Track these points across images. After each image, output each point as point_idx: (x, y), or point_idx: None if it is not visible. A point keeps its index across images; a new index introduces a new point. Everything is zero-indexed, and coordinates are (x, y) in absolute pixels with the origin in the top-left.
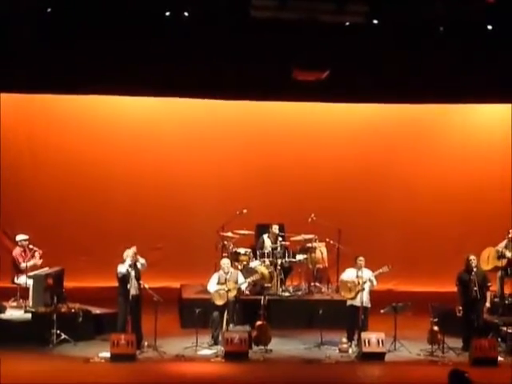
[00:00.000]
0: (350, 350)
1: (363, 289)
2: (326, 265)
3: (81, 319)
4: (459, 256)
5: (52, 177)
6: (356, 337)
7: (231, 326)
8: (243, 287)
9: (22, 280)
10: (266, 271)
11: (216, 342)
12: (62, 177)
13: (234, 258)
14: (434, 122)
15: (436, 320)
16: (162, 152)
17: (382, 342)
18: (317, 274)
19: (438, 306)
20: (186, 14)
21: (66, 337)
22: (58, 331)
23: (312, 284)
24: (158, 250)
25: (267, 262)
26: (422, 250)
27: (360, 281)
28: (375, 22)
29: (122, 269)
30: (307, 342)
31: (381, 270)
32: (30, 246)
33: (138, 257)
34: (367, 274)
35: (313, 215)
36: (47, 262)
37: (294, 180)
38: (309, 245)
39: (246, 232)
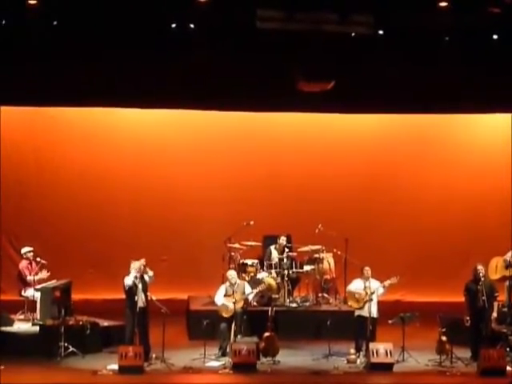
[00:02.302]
0: (358, 361)
1: (371, 299)
2: (334, 275)
3: (88, 332)
4: (467, 266)
5: (58, 189)
6: (364, 347)
7: (239, 337)
8: (250, 297)
9: (29, 293)
10: (273, 282)
11: (224, 354)
12: (68, 189)
13: (242, 269)
14: (438, 132)
15: (444, 330)
16: (168, 164)
17: (391, 352)
18: (324, 285)
19: (446, 316)
20: (192, 25)
21: (74, 349)
22: (66, 344)
23: (319, 295)
24: (163, 261)
25: (274, 273)
26: (430, 260)
27: (368, 291)
28: (380, 32)
29: (129, 281)
30: (315, 353)
31: (389, 281)
32: (38, 259)
33: (147, 269)
34: (375, 284)
35: (320, 226)
36: (55, 275)
37: (301, 191)
38: (316, 255)
39: (253, 243)
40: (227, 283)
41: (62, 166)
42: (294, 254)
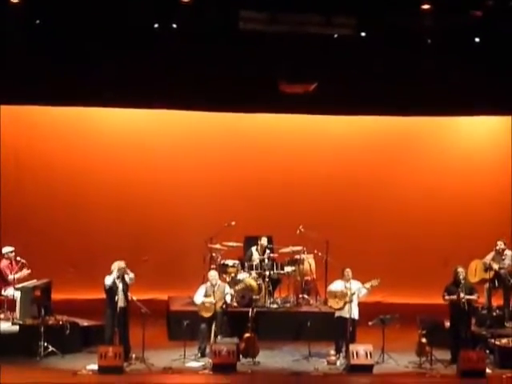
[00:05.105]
0: (338, 362)
1: (351, 300)
2: (315, 277)
3: (68, 331)
4: (447, 268)
5: (39, 188)
6: (344, 349)
7: (219, 338)
8: (228, 298)
9: (9, 292)
10: (254, 283)
11: (203, 354)
12: (49, 188)
13: (222, 269)
14: (422, 134)
15: (424, 332)
16: (150, 163)
17: (370, 354)
18: (305, 286)
19: (426, 318)
20: (175, 26)
21: (54, 349)
22: (46, 343)
23: (300, 296)
24: (144, 262)
25: (254, 273)
26: (410, 262)
27: (348, 292)
28: (363, 34)
29: (109, 281)
30: (295, 354)
31: (371, 283)
32: (18, 258)
33: (128, 270)
34: (355, 285)
35: (301, 227)
36: (35, 274)
37: (283, 192)
38: (297, 257)
39: (235, 244)
40: (208, 283)
41: (43, 165)
42: (275, 255)
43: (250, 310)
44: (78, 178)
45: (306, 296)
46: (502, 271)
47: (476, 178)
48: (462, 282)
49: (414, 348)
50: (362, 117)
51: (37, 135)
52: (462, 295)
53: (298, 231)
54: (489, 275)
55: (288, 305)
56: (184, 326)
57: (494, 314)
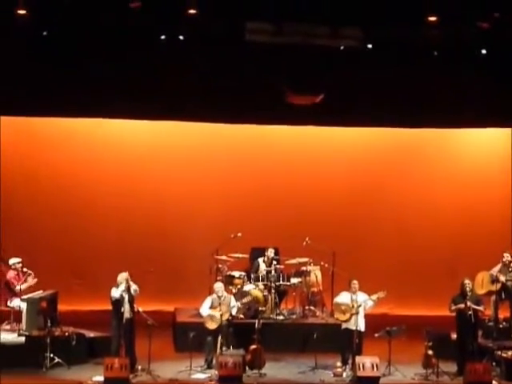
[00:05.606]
0: (345, 374)
1: (357, 312)
2: (321, 288)
3: (74, 343)
4: (453, 280)
5: (46, 200)
6: (350, 361)
7: (225, 349)
8: (234, 311)
9: (15, 303)
10: (260, 295)
11: (209, 366)
12: (55, 200)
13: (229, 281)
14: (427, 146)
15: (430, 344)
16: (155, 174)
17: (377, 366)
18: (311, 298)
19: (433, 330)
20: (181, 37)
21: (60, 360)
22: (52, 355)
23: (306, 308)
24: (150, 273)
25: (261, 285)
26: (417, 274)
27: (354, 304)
28: (369, 46)
29: (116, 293)
30: (301, 365)
31: (377, 295)
32: (24, 269)
33: (131, 282)
34: (362, 297)
35: (307, 239)
36: (41, 286)
37: (289, 204)
38: (303, 268)
39: (241, 255)
40: (214, 295)
41: (47, 176)
42: (282, 266)
43: (256, 321)
44: (83, 189)
45: (312, 308)
46: (509, 283)
47: (482, 189)
48: (469, 293)
49: (420, 360)
50: (367, 128)
51: (42, 146)
52: (468, 304)
53: (305, 243)
54: (495, 287)
55: (294, 316)
56: (190, 338)
57: (501, 326)
